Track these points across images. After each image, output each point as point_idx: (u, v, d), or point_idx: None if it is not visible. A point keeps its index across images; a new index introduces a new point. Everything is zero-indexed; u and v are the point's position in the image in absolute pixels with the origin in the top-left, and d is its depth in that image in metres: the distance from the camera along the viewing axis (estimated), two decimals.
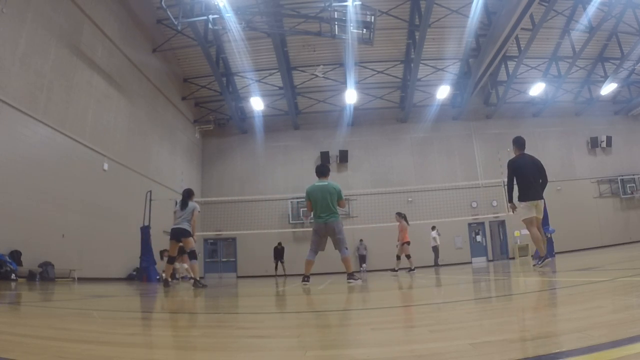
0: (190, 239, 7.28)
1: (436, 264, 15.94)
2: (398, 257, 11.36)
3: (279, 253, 18.67)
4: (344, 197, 6.34)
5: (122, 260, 13.20)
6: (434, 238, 16.10)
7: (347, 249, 6.12)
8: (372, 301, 3.61)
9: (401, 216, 11.32)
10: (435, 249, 16.10)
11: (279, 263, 18.53)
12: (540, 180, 6.35)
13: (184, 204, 7.35)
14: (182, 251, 8.57)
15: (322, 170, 6.40)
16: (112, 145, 13.38)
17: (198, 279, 7.28)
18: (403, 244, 11.03)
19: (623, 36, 18.19)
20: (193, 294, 5.63)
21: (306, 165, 20.66)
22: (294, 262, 17.95)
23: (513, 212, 6.64)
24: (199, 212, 7.55)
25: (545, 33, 17.14)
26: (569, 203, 19.57)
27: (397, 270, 11.39)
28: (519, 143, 6.49)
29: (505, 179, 7.37)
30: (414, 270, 10.96)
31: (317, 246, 6.14)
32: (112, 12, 13.44)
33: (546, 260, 6.22)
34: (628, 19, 17.10)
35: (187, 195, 7.47)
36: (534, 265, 6.73)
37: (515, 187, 6.43)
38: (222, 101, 20.02)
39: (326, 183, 6.23)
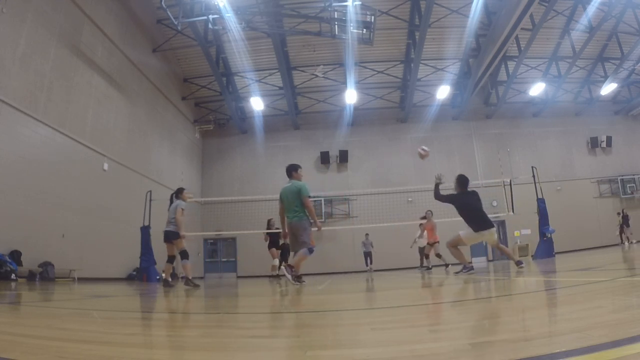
0: (180, 240, 7.29)
1: (422, 265, 13.36)
2: (427, 256, 12.02)
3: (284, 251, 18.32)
4: (308, 194, 6.09)
5: (122, 260, 13.20)
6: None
7: (309, 250, 5.91)
8: (372, 301, 3.60)
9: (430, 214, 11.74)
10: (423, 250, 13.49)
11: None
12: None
13: (170, 203, 7.58)
14: None
15: (287, 171, 6.36)
16: (112, 145, 13.38)
17: (190, 277, 7.23)
18: (435, 243, 11.53)
19: (623, 36, 18.18)
20: (193, 294, 5.64)
21: (306, 166, 20.63)
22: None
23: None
24: (182, 209, 7.28)
25: (545, 33, 17.13)
26: (569, 203, 19.56)
27: (430, 268, 11.86)
28: (461, 181, 6.95)
29: (506, 180, 7.45)
30: (430, 269, 11.57)
31: (292, 247, 6.14)
32: (112, 12, 13.44)
33: (470, 271, 6.64)
34: (628, 19, 17.09)
35: (174, 193, 7.67)
36: (455, 273, 7.17)
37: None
38: (222, 101, 20.02)
39: (290, 184, 6.19)
